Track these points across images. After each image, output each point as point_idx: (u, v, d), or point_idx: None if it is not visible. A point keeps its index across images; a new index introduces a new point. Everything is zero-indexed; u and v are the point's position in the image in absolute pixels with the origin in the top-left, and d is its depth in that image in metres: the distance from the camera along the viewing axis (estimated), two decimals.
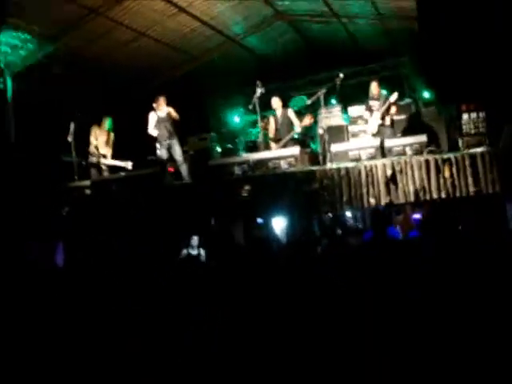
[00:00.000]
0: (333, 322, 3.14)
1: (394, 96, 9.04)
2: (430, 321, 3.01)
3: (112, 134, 10.07)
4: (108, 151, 9.93)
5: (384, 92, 9.41)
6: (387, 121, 9.15)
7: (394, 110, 9.19)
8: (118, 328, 3.58)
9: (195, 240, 9.03)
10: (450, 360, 2.81)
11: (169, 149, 9.35)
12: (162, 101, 9.34)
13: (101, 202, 8.73)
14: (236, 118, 13.82)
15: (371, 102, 9.37)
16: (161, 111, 9.31)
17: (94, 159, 9.76)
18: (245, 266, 4.58)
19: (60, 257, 8.33)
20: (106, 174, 9.76)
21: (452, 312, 3.05)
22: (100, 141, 9.90)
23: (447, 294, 3.19)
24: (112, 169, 9.83)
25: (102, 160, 9.75)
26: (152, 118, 9.34)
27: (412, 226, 8.47)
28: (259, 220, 8.90)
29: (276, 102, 9.73)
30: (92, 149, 9.83)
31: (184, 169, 9.38)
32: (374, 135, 9.17)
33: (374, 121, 9.20)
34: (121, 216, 8.52)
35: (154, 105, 9.29)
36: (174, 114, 9.29)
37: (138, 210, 8.45)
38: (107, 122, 10.02)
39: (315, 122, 10.70)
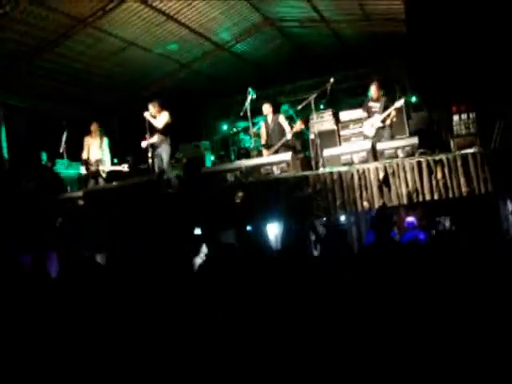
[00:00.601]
0: (333, 322, 3.13)
1: (401, 102, 8.93)
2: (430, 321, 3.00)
3: (105, 139, 9.98)
4: (104, 156, 9.86)
5: (381, 94, 9.25)
6: (387, 122, 9.04)
7: (394, 113, 9.08)
8: (115, 329, 3.56)
9: (205, 249, 8.86)
10: (450, 360, 2.80)
11: (157, 157, 9.29)
12: (151, 107, 9.31)
13: (94, 213, 8.69)
14: (228, 126, 13.84)
15: (370, 103, 9.24)
16: (152, 118, 9.26)
17: (92, 168, 9.72)
18: (240, 270, 4.56)
19: (54, 267, 8.29)
20: (102, 183, 9.69)
21: (453, 312, 3.04)
22: (93, 148, 9.85)
23: (449, 295, 3.18)
24: (111, 175, 9.77)
25: (100, 167, 9.70)
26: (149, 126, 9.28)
27: (406, 229, 8.47)
28: (248, 227, 8.83)
29: (267, 108, 9.72)
30: (86, 159, 9.80)
31: (172, 178, 9.30)
32: (371, 138, 9.06)
33: (375, 123, 9.06)
34: (115, 226, 8.48)
35: (146, 113, 9.23)
36: (155, 122, 9.23)
37: (131, 219, 8.42)
38: (96, 128, 9.93)
39: (307, 128, 10.72)
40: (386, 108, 9.00)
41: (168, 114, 9.34)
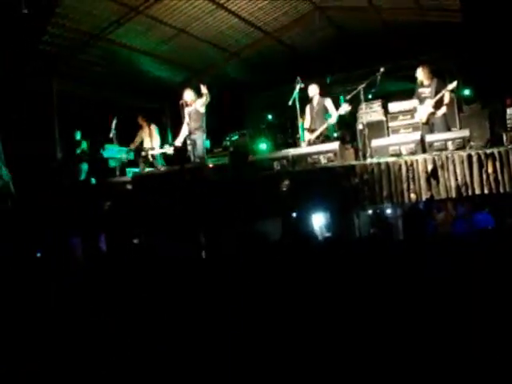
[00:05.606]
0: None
1: (453, 84, 8.48)
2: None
3: (153, 126, 10.53)
4: (154, 142, 10.45)
5: (431, 77, 8.80)
6: (441, 110, 8.64)
7: (447, 99, 8.65)
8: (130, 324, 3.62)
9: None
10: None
11: (193, 145, 9.14)
12: (185, 94, 9.19)
13: (141, 197, 8.83)
14: (275, 114, 13.81)
15: (420, 90, 8.87)
16: (188, 106, 9.19)
17: (142, 153, 10.31)
18: (281, 262, 4.57)
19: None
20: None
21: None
22: (145, 137, 10.49)
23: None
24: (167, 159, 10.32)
25: (150, 152, 10.26)
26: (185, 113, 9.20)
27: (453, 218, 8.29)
28: (294, 215, 8.76)
29: (313, 90, 9.42)
30: (137, 147, 10.47)
31: (207, 165, 9.22)
32: (423, 124, 8.78)
33: (425, 108, 8.70)
34: (160, 211, 8.59)
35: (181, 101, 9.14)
36: (199, 107, 9.15)
37: (176, 205, 8.50)
38: (142, 120, 10.50)
39: (354, 118, 10.59)
40: (437, 92, 8.59)
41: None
